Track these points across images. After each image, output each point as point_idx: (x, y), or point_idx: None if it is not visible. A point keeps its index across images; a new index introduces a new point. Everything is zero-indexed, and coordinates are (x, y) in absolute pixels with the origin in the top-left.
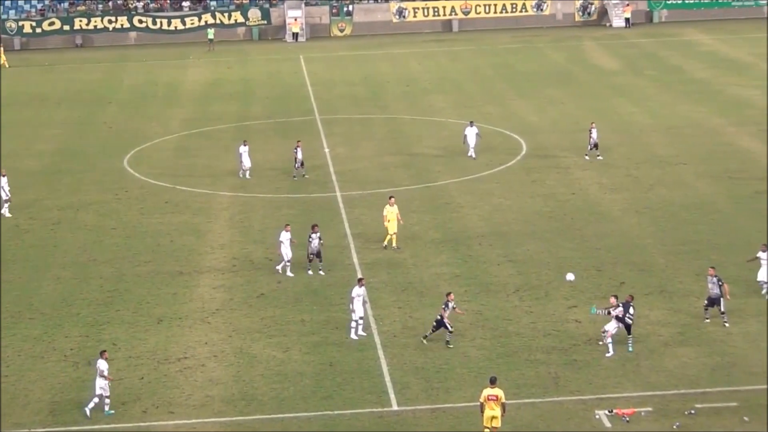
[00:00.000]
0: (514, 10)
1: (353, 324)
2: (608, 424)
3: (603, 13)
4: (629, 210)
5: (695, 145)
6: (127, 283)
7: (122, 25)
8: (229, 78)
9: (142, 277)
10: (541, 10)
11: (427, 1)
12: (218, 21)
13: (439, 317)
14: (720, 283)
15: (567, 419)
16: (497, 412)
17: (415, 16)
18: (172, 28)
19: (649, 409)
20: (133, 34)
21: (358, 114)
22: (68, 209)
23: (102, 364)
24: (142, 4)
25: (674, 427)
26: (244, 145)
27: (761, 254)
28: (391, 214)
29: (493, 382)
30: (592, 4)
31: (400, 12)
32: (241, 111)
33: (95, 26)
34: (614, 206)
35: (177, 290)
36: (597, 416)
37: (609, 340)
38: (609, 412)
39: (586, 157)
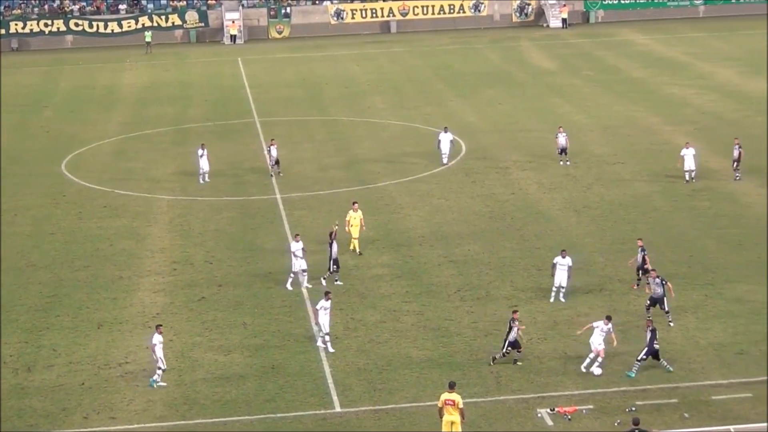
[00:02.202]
0: (451, 11)
1: (320, 336)
2: (550, 423)
3: (540, 13)
4: (568, 209)
5: (632, 144)
6: (67, 288)
7: (58, 28)
8: (166, 81)
9: (82, 282)
10: (479, 11)
11: (365, 3)
12: (155, 24)
13: (513, 339)
14: (663, 282)
15: (509, 418)
16: (456, 417)
17: (353, 18)
18: (108, 31)
19: (591, 406)
20: (69, 37)
21: (297, 116)
22: (5, 214)
23: (157, 338)
24: (78, 7)
25: (615, 424)
26: (202, 149)
27: (559, 259)
28: (355, 219)
29: (451, 387)
30: (529, 4)
31: (338, 14)
32: (179, 114)
33: (31, 30)
34: (553, 206)
35: (117, 295)
36: (539, 415)
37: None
38: (551, 410)
39: (561, 163)
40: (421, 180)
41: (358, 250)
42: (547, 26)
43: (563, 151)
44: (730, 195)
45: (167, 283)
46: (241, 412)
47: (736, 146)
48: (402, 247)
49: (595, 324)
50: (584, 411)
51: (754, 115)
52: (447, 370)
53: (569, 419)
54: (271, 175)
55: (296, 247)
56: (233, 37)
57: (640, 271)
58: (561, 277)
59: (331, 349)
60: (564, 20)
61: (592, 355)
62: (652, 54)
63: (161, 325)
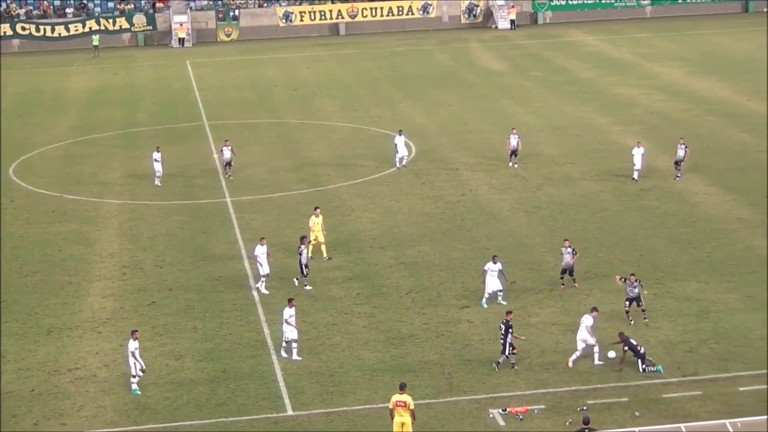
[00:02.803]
0: (400, 13)
1: (284, 344)
2: (502, 423)
3: (488, 15)
4: (518, 210)
5: (581, 144)
6: (15, 294)
7: (5, 32)
8: (115, 84)
9: (31, 288)
10: (427, 12)
11: (314, 5)
12: (103, 27)
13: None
14: (640, 284)
15: (461, 419)
16: (406, 418)
17: (301, 20)
18: (56, 34)
19: (542, 406)
20: (16, 41)
21: (247, 119)
22: None
23: (133, 345)
24: (24, 11)
25: (567, 424)
26: (157, 152)
27: (490, 265)
28: (317, 225)
29: (402, 388)
30: (477, 6)
31: (287, 16)
32: (128, 118)
33: None
34: (503, 206)
35: (66, 300)
36: (491, 415)
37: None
38: (502, 410)
39: (510, 164)
40: (372, 182)
41: (326, 254)
42: (496, 27)
43: (513, 152)
44: (679, 194)
45: (117, 288)
46: (192, 416)
47: (682, 146)
48: (353, 250)
49: (582, 320)
50: (536, 411)
51: (702, 114)
52: (399, 372)
53: (521, 419)
54: (230, 176)
55: (260, 251)
56: (181, 40)
57: (567, 272)
58: (493, 283)
59: (296, 357)
60: (512, 21)
61: (596, 349)
62: (600, 54)
63: (137, 331)
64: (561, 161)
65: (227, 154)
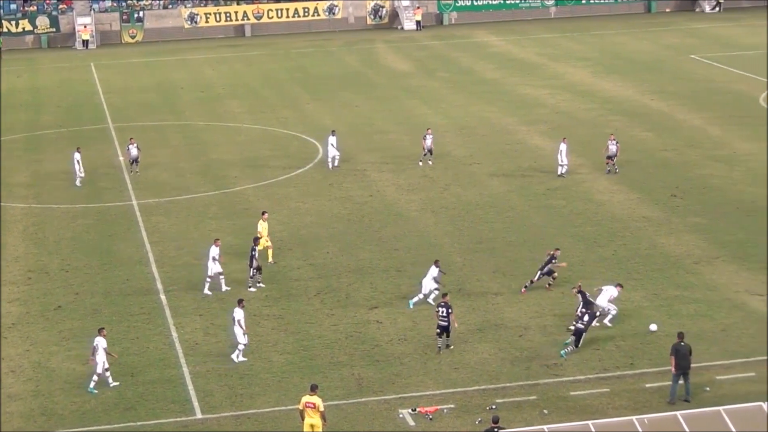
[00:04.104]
0: (306, 14)
1: (242, 347)
2: (412, 423)
3: (394, 16)
4: (426, 210)
5: (488, 144)
6: None
7: None
8: (18, 87)
9: None
10: (333, 13)
11: (219, 7)
12: (5, 29)
13: (444, 323)
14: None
15: (371, 420)
16: (316, 420)
17: (207, 22)
18: None
19: (452, 405)
20: None
21: (153, 121)
22: None
23: (101, 342)
24: None
25: (476, 423)
26: (78, 152)
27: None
28: (265, 230)
29: (312, 389)
30: (383, 7)
31: (192, 17)
32: (32, 120)
33: None
34: (411, 207)
35: None
36: (401, 415)
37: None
38: (412, 410)
39: (421, 163)
40: (279, 184)
41: (271, 259)
42: (402, 28)
43: (429, 151)
44: (585, 193)
45: (22, 293)
46: (100, 421)
47: (613, 141)
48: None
49: (604, 288)
50: (445, 410)
51: (606, 114)
52: (308, 374)
53: (431, 419)
54: (137, 172)
55: (215, 251)
56: (85, 42)
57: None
58: (429, 285)
59: (241, 359)
60: (418, 22)
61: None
62: (505, 55)
63: (104, 329)
64: (468, 161)
65: (134, 151)
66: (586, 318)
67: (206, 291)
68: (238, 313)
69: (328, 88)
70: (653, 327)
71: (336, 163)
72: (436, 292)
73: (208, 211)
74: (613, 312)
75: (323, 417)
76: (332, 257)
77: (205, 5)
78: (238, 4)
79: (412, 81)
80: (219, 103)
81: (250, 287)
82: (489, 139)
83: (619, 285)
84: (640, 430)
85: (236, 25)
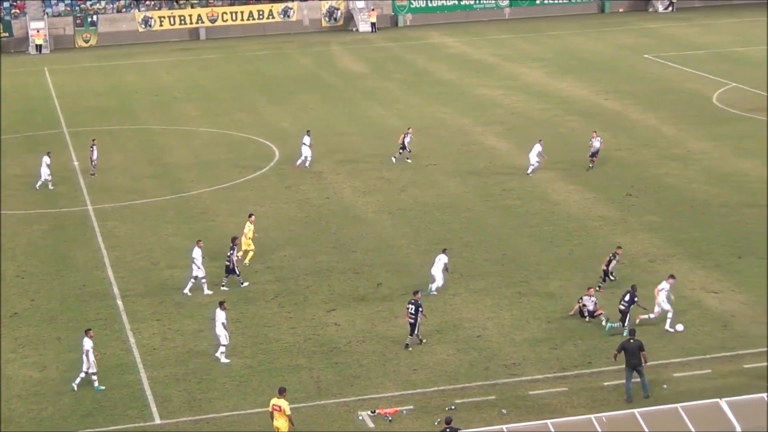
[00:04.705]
0: (261, 16)
1: (223, 348)
2: (371, 425)
3: (349, 18)
4: (383, 212)
5: (444, 145)
6: None
7: None
8: None
9: None
10: (288, 16)
11: (173, 10)
12: None
13: (413, 321)
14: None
15: (330, 422)
16: (281, 423)
17: (161, 25)
18: None
19: (411, 407)
20: None
21: (108, 125)
22: None
23: (87, 343)
24: None
25: (435, 423)
26: (48, 156)
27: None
28: (251, 231)
29: (280, 392)
30: (338, 9)
31: (146, 21)
32: None
33: None
34: (368, 209)
35: None
36: (360, 417)
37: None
38: (372, 412)
39: (393, 159)
40: (236, 187)
41: (244, 262)
42: (357, 30)
43: (405, 148)
44: (541, 193)
45: None
46: (58, 428)
47: (597, 138)
48: (218, 256)
49: (659, 287)
50: (404, 412)
51: (561, 114)
52: (267, 377)
53: (390, 420)
54: (93, 174)
55: (197, 253)
56: (39, 47)
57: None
58: (440, 274)
59: (225, 360)
60: (373, 24)
61: (670, 315)
62: (460, 56)
63: (90, 330)
64: (424, 162)
65: (95, 153)
66: (627, 297)
67: (187, 291)
68: (220, 315)
69: (283, 91)
70: (680, 327)
71: (307, 164)
72: (443, 278)
73: (165, 215)
74: (669, 315)
75: (290, 420)
76: (289, 260)
77: (160, 9)
78: (192, 7)
79: (368, 83)
80: (174, 106)
81: (243, 283)
82: (445, 140)
83: (671, 276)
84: (598, 428)
85: (191, 29)
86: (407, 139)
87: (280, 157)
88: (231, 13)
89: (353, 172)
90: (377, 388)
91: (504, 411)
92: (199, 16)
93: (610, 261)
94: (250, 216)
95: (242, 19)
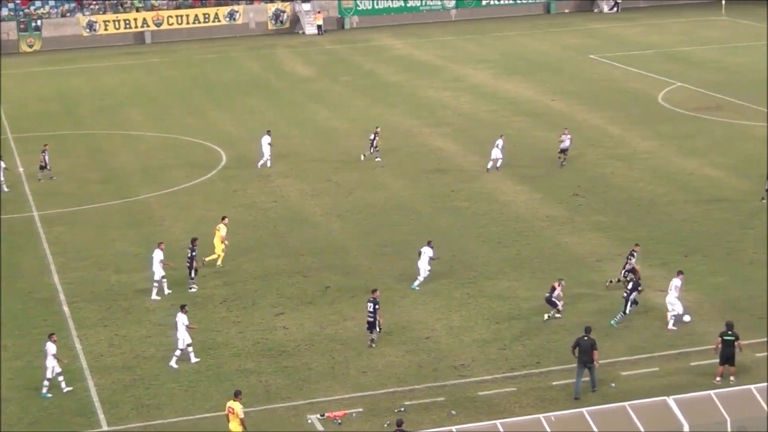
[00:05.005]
0: (207, 20)
1: (178, 352)
2: (321, 428)
3: (295, 20)
4: (331, 215)
5: (392, 147)
6: None
7: None
8: None
9: None
10: (234, 19)
11: (118, 14)
12: None
13: (371, 319)
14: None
15: (280, 426)
16: (233, 425)
17: (106, 30)
18: None
19: (360, 409)
20: None
21: (53, 131)
22: None
23: (51, 348)
24: None
25: (385, 425)
26: (1, 161)
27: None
28: (224, 232)
29: (236, 395)
30: (284, 12)
31: (91, 25)
32: None
33: None
34: (316, 212)
35: None
36: (309, 421)
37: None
38: (321, 416)
39: (362, 157)
40: (183, 191)
41: (203, 261)
42: (303, 33)
43: (373, 146)
44: (489, 194)
45: None
46: None
47: (567, 136)
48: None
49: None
50: (354, 414)
51: (508, 115)
52: (215, 382)
53: (339, 423)
54: (40, 179)
55: (159, 255)
56: None
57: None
58: (425, 266)
59: (194, 359)
60: (319, 27)
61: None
62: (407, 58)
63: (54, 334)
64: (372, 165)
65: (47, 158)
66: (629, 286)
67: (154, 295)
68: (182, 318)
69: (230, 95)
70: (687, 318)
71: (269, 164)
72: (428, 270)
73: (111, 220)
74: (679, 310)
75: (242, 423)
76: (237, 264)
77: (104, 13)
78: (137, 11)
79: (315, 85)
80: (120, 111)
81: (191, 288)
82: (393, 142)
83: (680, 272)
84: (547, 428)
85: (136, 33)
86: (376, 138)
87: (226, 161)
88: (176, 16)
89: (301, 175)
90: (326, 392)
91: (453, 412)
92: (144, 20)
93: (628, 260)
94: (223, 218)
95: (188, 23)
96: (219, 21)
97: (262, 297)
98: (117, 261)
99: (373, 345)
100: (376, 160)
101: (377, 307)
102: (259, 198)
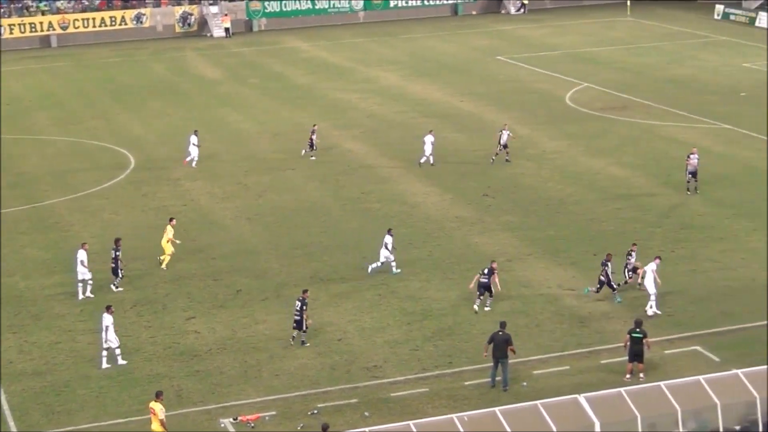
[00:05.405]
0: (113, 23)
1: (105, 353)
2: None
3: (203, 23)
4: (241, 218)
5: (302, 149)
6: None
7: None
8: None
9: None
10: (141, 22)
11: (23, 18)
12: None
13: (298, 317)
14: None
15: (193, 430)
16: (155, 425)
17: (11, 33)
18: None
19: (273, 413)
20: None
21: None
22: None
23: (107, 319)
24: None
25: (298, 428)
26: None
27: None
28: (171, 234)
29: (157, 395)
30: (191, 15)
31: None
32: None
33: None
34: (226, 215)
35: None
36: (222, 425)
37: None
38: (234, 419)
39: (303, 152)
40: (91, 196)
41: (161, 265)
42: (211, 36)
43: (311, 145)
44: (400, 196)
45: None
46: None
47: (506, 131)
48: (75, 265)
49: (646, 268)
50: (267, 417)
51: (417, 116)
52: (127, 387)
53: (252, 426)
54: None
55: (83, 256)
56: None
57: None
58: (385, 253)
59: (122, 361)
60: (227, 29)
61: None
62: (316, 60)
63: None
64: (282, 167)
65: None
66: (603, 275)
67: (81, 296)
68: (107, 319)
69: (138, 98)
70: (618, 299)
71: (194, 164)
72: (392, 258)
73: (19, 226)
74: (653, 298)
75: (163, 424)
76: (147, 268)
77: (9, 16)
78: (43, 14)
79: (223, 88)
80: (26, 115)
81: (118, 288)
82: (303, 144)
83: (657, 257)
84: (460, 427)
85: (42, 36)
86: (314, 136)
87: (135, 164)
88: (83, 20)
89: (210, 178)
90: (239, 395)
91: (367, 414)
92: (50, 23)
93: (628, 259)
94: (171, 220)
95: (94, 26)
96: (126, 24)
97: (173, 301)
98: (25, 267)
99: (292, 342)
100: (311, 158)
101: (305, 307)
102: (169, 201)
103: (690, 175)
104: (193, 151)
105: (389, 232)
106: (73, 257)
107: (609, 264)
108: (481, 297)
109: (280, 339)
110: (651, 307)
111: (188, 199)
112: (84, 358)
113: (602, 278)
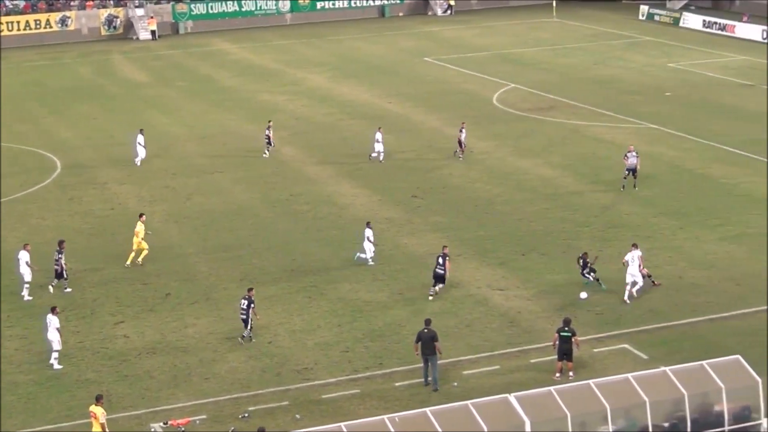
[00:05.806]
0: (38, 26)
1: (56, 354)
2: None
3: (129, 26)
4: (169, 221)
5: (230, 152)
6: None
7: None
8: None
9: None
10: (66, 25)
11: None
12: None
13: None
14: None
15: None
16: (95, 429)
17: None
18: None
19: (204, 416)
20: None
21: None
22: None
23: (54, 321)
24: None
25: (229, 431)
26: None
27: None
28: (142, 231)
29: (97, 399)
30: (117, 17)
31: None
32: None
33: None
34: (154, 218)
35: None
36: (152, 429)
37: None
38: (164, 423)
39: (266, 154)
40: (17, 200)
41: (137, 261)
42: (137, 39)
43: (269, 141)
44: (329, 197)
45: None
46: None
47: (462, 130)
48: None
49: (627, 258)
50: (197, 421)
51: (345, 118)
52: (55, 393)
53: (183, 430)
54: None
55: (26, 256)
56: None
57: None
58: (367, 247)
59: (57, 366)
60: (153, 32)
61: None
62: (243, 62)
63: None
64: (210, 170)
65: None
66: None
67: (28, 297)
68: (53, 320)
69: (64, 101)
70: (583, 295)
71: (138, 162)
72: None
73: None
74: (640, 282)
75: (103, 428)
76: (75, 273)
77: None
78: None
79: (150, 91)
80: None
81: (66, 289)
82: (230, 146)
83: (633, 245)
84: (391, 428)
85: None
86: (270, 133)
87: (61, 168)
88: (6, 23)
89: (138, 181)
90: (169, 399)
91: (298, 416)
92: None
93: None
94: (140, 216)
95: (18, 29)
96: (51, 27)
97: (101, 306)
98: None
99: (242, 341)
100: (263, 156)
101: (252, 305)
102: (96, 205)
103: (628, 172)
104: (141, 151)
105: (368, 225)
106: (2, 261)
107: (587, 260)
108: (435, 287)
109: (209, 342)
110: (633, 293)
111: (116, 203)
112: (11, 364)
113: (592, 276)
